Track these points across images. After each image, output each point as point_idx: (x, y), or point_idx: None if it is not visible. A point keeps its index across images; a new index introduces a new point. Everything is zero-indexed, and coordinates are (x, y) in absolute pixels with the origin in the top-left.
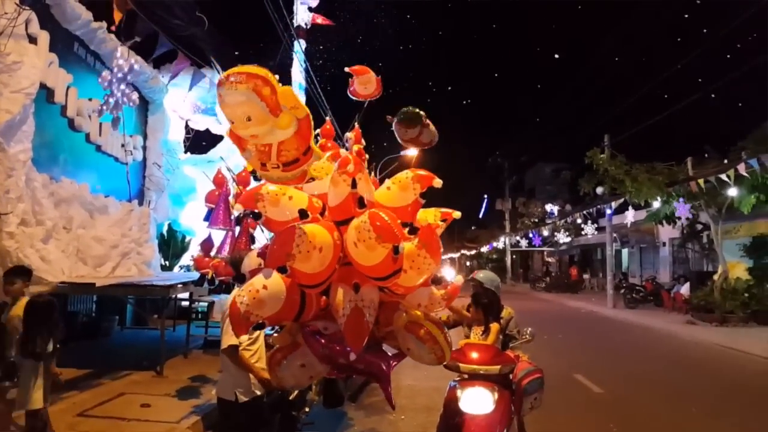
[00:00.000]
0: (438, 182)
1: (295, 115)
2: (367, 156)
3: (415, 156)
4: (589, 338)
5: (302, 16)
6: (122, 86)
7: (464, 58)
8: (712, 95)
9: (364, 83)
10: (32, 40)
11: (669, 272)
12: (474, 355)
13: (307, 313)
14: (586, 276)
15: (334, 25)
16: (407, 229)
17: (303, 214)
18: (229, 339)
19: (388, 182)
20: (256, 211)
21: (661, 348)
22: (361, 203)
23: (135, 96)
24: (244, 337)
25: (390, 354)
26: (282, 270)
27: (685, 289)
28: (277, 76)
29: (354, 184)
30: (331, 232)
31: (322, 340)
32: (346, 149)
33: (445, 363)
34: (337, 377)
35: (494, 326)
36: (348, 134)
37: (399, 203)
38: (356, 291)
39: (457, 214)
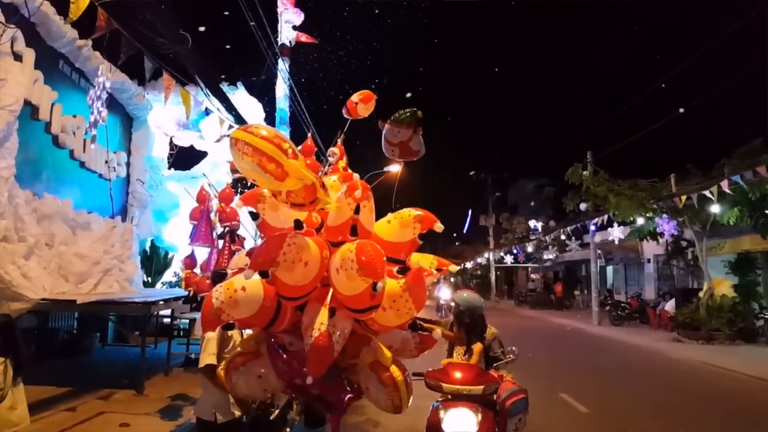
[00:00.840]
0: (439, 227)
1: (304, 181)
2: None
3: (399, 171)
4: (575, 356)
5: (286, 35)
6: (98, 104)
7: (447, 73)
8: (697, 111)
9: (369, 109)
10: (17, 57)
11: (654, 289)
12: (457, 374)
13: (278, 324)
14: (577, 293)
15: (317, 43)
16: (397, 268)
17: (298, 224)
18: (207, 358)
19: (389, 216)
20: (255, 211)
21: (647, 366)
22: (353, 231)
23: (104, 113)
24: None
25: (348, 388)
26: (263, 275)
27: (670, 306)
28: (288, 145)
29: (357, 210)
30: (322, 250)
31: (285, 355)
32: (329, 164)
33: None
34: (291, 397)
35: (477, 346)
36: (331, 149)
37: (396, 239)
38: (330, 315)
39: (453, 268)
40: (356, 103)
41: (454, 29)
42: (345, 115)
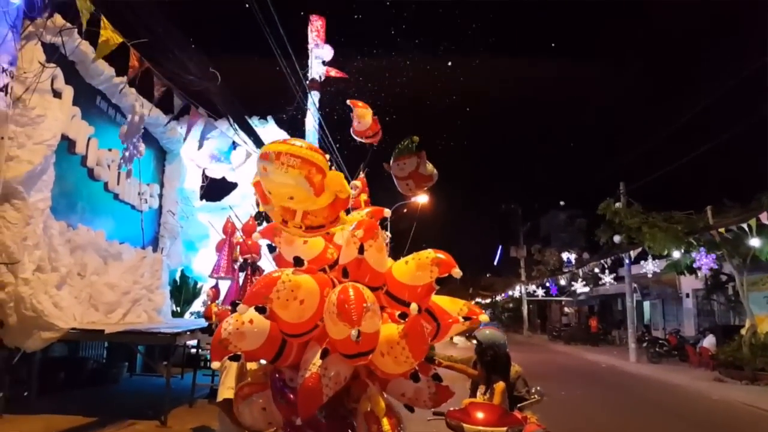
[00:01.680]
0: (457, 272)
1: (338, 194)
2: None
3: (426, 201)
4: (611, 395)
5: (316, 70)
6: (134, 139)
7: (476, 107)
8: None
9: (359, 117)
10: (57, 94)
11: (693, 325)
12: (479, 415)
13: (283, 359)
14: (615, 332)
15: (347, 78)
16: (399, 313)
17: (297, 261)
18: (225, 392)
19: (409, 257)
20: (273, 244)
21: (687, 407)
22: (344, 273)
23: (142, 147)
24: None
25: None
26: (260, 310)
27: (710, 342)
28: (327, 156)
29: (361, 250)
30: (322, 288)
31: (285, 390)
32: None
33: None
34: None
35: (499, 386)
36: (354, 182)
37: (411, 282)
38: (322, 357)
39: (484, 318)
40: (355, 124)
41: (484, 58)
42: (354, 136)
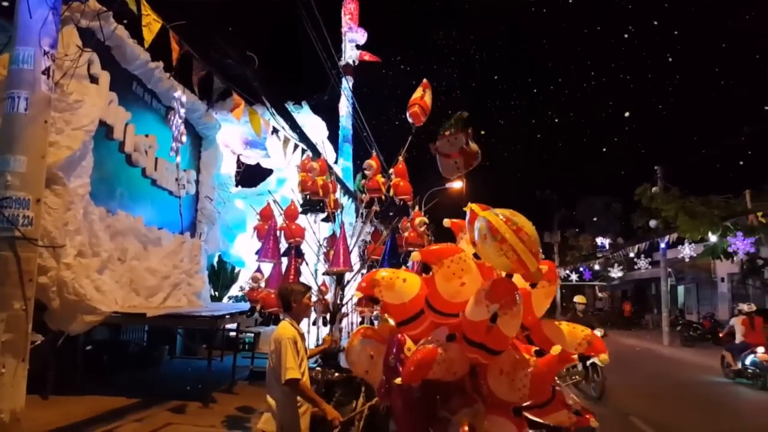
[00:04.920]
0: (605, 359)
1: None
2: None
3: (462, 186)
4: (645, 378)
5: (350, 54)
6: (178, 125)
7: (513, 91)
8: None
9: (431, 96)
10: (93, 79)
11: (728, 309)
12: None
13: (411, 327)
14: (648, 317)
15: (381, 62)
16: (535, 349)
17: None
18: (289, 372)
19: (564, 323)
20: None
21: (722, 390)
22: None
23: (184, 135)
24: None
25: None
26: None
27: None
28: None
29: (494, 319)
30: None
31: (399, 357)
32: (390, 181)
33: None
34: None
35: None
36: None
37: (555, 340)
38: (448, 339)
39: (604, 358)
40: (420, 100)
41: (521, 43)
42: (412, 122)
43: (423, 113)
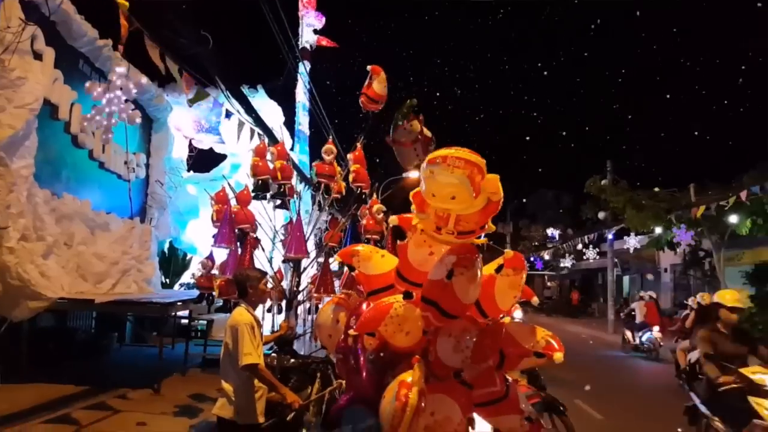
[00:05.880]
0: (535, 300)
1: (490, 198)
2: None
3: (419, 176)
4: (589, 364)
5: (307, 38)
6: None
7: (467, 83)
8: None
9: (382, 82)
10: (38, 56)
11: (670, 299)
12: None
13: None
14: (595, 305)
15: (338, 48)
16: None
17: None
18: (246, 357)
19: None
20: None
21: (663, 375)
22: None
23: (133, 114)
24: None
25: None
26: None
27: (685, 314)
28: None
29: (450, 275)
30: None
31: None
32: (347, 169)
33: None
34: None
35: None
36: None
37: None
38: (404, 297)
39: (558, 357)
40: (367, 89)
41: (476, 34)
42: (364, 107)
43: (371, 102)
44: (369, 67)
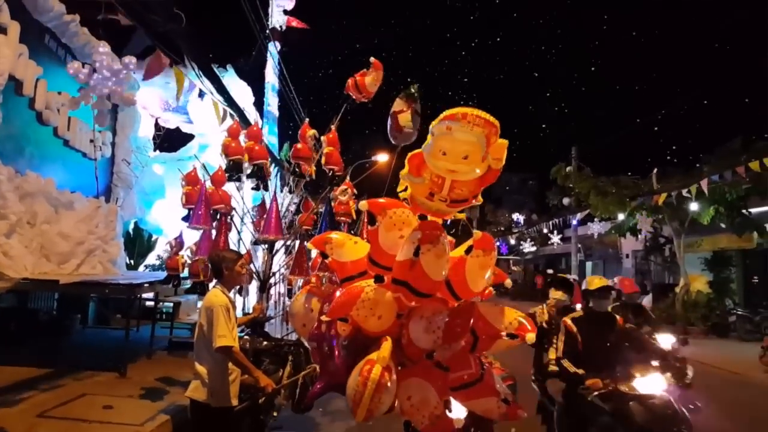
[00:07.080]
0: (508, 282)
1: (491, 165)
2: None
3: (388, 160)
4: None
5: (277, 19)
6: (110, 84)
7: (436, 62)
8: (684, 107)
9: (376, 79)
10: (2, 30)
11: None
12: None
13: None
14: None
15: (309, 29)
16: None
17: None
18: (221, 339)
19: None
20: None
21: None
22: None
23: (105, 91)
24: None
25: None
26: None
27: (647, 300)
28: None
29: (417, 252)
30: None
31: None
32: (319, 151)
33: None
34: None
35: None
36: (323, 137)
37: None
38: (375, 281)
39: (531, 337)
40: (360, 76)
41: (450, 16)
42: (349, 93)
43: (356, 90)
44: (372, 59)
